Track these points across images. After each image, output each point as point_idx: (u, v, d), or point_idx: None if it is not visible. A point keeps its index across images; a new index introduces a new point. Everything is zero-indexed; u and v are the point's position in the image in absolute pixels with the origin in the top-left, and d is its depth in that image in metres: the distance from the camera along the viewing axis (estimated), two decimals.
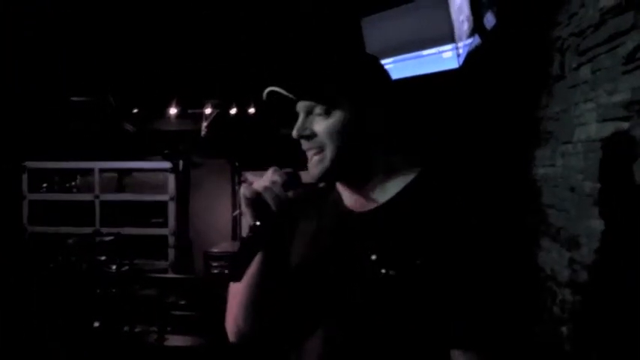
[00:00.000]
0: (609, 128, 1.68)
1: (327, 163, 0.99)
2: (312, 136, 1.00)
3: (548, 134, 2.33)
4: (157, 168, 5.63)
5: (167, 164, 5.54)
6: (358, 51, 1.11)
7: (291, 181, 1.01)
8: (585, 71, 1.87)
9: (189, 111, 5.60)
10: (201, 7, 4.34)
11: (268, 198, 0.98)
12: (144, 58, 4.84)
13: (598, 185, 1.78)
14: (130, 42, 4.60)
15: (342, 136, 0.99)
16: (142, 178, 5.95)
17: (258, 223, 0.99)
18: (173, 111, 5.51)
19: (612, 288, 1.66)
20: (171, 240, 5.60)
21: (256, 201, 0.98)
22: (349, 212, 1.05)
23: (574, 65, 1.98)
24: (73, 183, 6.16)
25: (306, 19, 3.92)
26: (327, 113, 0.99)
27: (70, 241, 5.16)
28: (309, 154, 1.02)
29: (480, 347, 0.91)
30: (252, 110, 5.51)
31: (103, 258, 4.67)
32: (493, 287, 0.93)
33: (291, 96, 1.01)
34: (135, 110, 5.55)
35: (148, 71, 4.97)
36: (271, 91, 1.01)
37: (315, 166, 1.01)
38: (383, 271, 0.93)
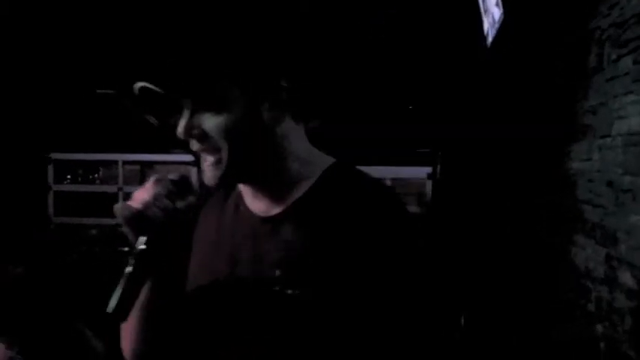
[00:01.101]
0: None
1: (223, 166, 0.84)
2: (202, 136, 0.83)
3: (585, 128, 2.28)
4: (180, 161, 5.66)
5: (190, 157, 5.56)
6: (252, 27, 0.88)
7: (179, 190, 0.86)
8: (627, 63, 1.82)
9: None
10: None
11: (151, 215, 0.82)
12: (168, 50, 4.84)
13: (639, 180, 1.74)
14: (154, 34, 4.60)
15: (239, 134, 0.83)
16: (164, 170, 5.96)
17: (143, 247, 0.82)
18: None
19: None
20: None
21: (138, 221, 0.82)
22: (252, 217, 0.90)
23: (614, 57, 1.93)
24: (96, 175, 6.22)
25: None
26: (218, 108, 0.82)
27: (93, 231, 5.22)
28: (202, 156, 0.86)
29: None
30: None
31: (126, 249, 4.73)
32: (413, 306, 0.81)
33: (166, 93, 0.84)
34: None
35: (154, 64, 4.98)
36: (143, 88, 0.84)
37: (210, 170, 0.85)
38: (289, 291, 0.81)
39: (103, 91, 5.28)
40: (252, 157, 0.85)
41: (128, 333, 0.94)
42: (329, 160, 0.90)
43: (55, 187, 5.46)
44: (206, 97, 0.82)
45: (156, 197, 0.83)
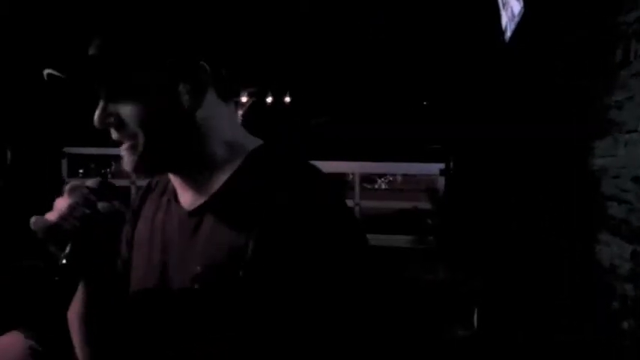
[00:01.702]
0: None
1: (138, 153, 0.81)
2: (119, 124, 0.81)
3: (610, 123, 2.26)
4: None
5: None
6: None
7: (97, 195, 0.79)
8: None
9: None
10: None
11: (68, 226, 0.76)
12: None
13: None
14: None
15: (155, 119, 0.79)
16: None
17: (63, 261, 0.76)
18: None
19: None
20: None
21: (54, 234, 0.76)
22: (180, 210, 0.87)
23: None
24: (108, 169, 6.26)
25: None
26: (133, 94, 0.79)
27: None
28: (121, 143, 0.83)
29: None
30: (287, 99, 5.52)
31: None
32: (342, 303, 0.74)
33: (65, 77, 0.80)
34: None
35: None
36: (50, 75, 0.79)
37: (126, 155, 0.82)
38: (205, 285, 0.77)
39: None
40: (170, 143, 0.81)
41: (75, 338, 0.90)
42: (255, 143, 0.86)
43: (69, 181, 5.50)
44: (119, 83, 0.79)
45: (72, 207, 0.76)
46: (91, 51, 0.80)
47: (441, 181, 6.08)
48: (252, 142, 0.86)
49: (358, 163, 6.10)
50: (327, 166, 6.92)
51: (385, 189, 14.17)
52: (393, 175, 13.63)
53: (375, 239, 6.60)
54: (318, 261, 0.73)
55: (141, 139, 0.80)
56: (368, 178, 12.59)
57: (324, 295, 0.73)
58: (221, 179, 0.83)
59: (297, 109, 5.59)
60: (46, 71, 0.79)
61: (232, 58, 0.84)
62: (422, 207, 6.02)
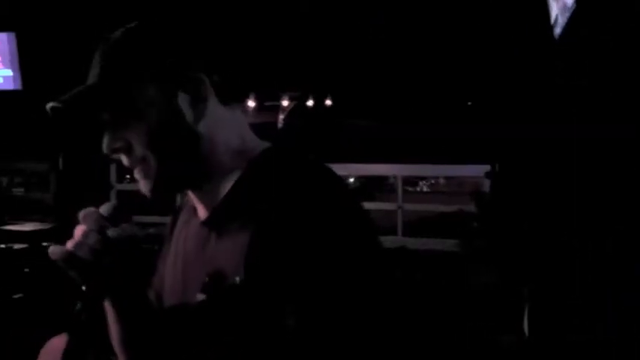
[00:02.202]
0: None
1: (152, 176, 0.79)
2: (127, 149, 0.79)
3: None
4: None
5: None
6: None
7: (110, 220, 0.78)
8: None
9: (267, 103, 5.68)
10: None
11: (83, 255, 0.76)
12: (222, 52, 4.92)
13: None
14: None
15: (162, 139, 0.78)
16: None
17: (83, 287, 0.77)
18: (251, 104, 5.59)
19: None
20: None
21: (72, 262, 0.76)
22: (196, 222, 0.87)
23: None
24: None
25: None
26: (136, 116, 0.78)
27: (152, 230, 5.33)
28: (134, 167, 0.81)
29: None
30: (328, 102, 5.51)
31: None
32: (354, 308, 0.71)
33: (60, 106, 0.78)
34: None
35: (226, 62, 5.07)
36: (55, 108, 0.78)
37: (142, 180, 0.81)
38: (213, 301, 0.75)
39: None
40: (180, 160, 0.80)
41: (113, 341, 0.92)
42: (261, 147, 0.83)
43: (118, 187, 5.64)
44: (121, 108, 0.78)
45: (85, 234, 0.76)
46: (91, 80, 0.79)
47: (487, 184, 5.95)
48: (259, 146, 0.84)
49: (400, 165, 6.03)
50: (369, 169, 6.83)
51: (427, 192, 14.00)
52: (435, 177, 13.46)
53: (419, 243, 6.51)
54: (319, 264, 0.70)
55: (151, 161, 0.79)
56: (409, 181, 12.49)
57: (326, 299, 0.70)
58: (227, 187, 0.81)
59: (339, 111, 5.58)
60: (49, 105, 0.78)
61: (228, 64, 0.83)
62: (467, 210, 5.91)
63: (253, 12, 4.42)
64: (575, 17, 2.79)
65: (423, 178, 14.18)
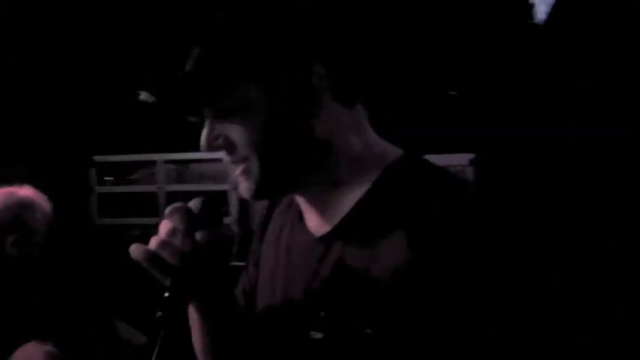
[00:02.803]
0: None
1: (255, 179, 0.70)
2: (228, 146, 0.71)
3: None
4: (219, 158, 5.68)
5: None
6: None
7: (200, 220, 0.71)
8: None
9: None
10: None
11: (167, 256, 0.68)
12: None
13: None
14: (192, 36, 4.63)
15: (269, 140, 0.68)
16: (200, 168, 6.05)
17: (166, 294, 0.69)
18: None
19: None
20: (234, 228, 5.66)
21: (155, 264, 0.69)
22: (307, 235, 0.76)
23: None
24: (134, 175, 6.28)
25: None
26: (242, 113, 0.68)
27: (136, 232, 5.26)
28: (232, 167, 0.74)
29: None
30: None
31: None
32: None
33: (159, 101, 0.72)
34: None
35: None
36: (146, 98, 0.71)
37: (242, 181, 0.72)
38: (334, 332, 0.64)
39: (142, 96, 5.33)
40: (289, 164, 0.70)
41: (194, 345, 0.85)
42: (393, 155, 0.71)
43: (99, 190, 5.55)
44: (223, 101, 0.68)
45: (169, 233, 0.69)
46: (188, 67, 0.70)
47: (471, 172, 5.93)
48: (390, 154, 0.72)
49: None
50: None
51: None
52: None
53: None
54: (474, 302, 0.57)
55: (255, 163, 0.69)
56: None
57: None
58: (351, 200, 0.70)
59: None
60: (142, 96, 0.67)
61: (352, 57, 0.71)
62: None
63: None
64: (559, 8, 2.77)
65: None
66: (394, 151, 0.73)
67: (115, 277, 4.23)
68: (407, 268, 0.60)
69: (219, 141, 0.71)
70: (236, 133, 0.69)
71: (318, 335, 0.65)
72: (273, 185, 0.72)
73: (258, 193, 0.72)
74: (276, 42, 0.67)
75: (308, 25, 0.68)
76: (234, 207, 5.64)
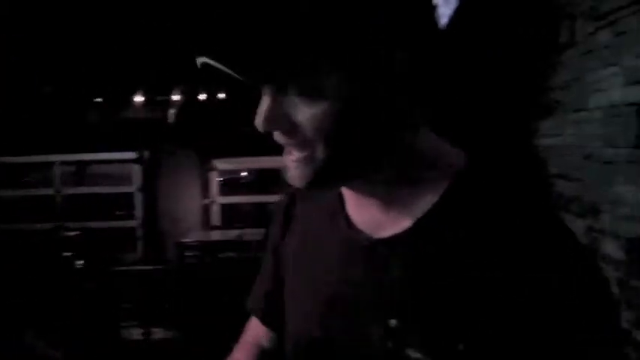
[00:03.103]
0: (636, 92, 1.66)
1: (316, 165, 0.62)
2: (290, 129, 0.61)
3: (555, 104, 2.31)
4: (122, 159, 5.44)
5: (132, 154, 5.37)
6: None
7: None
8: (605, 36, 1.84)
9: (157, 98, 5.42)
10: None
11: None
12: (107, 46, 4.63)
13: (622, 151, 1.76)
14: (92, 29, 4.38)
15: (339, 129, 0.60)
16: (103, 169, 5.79)
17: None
18: (139, 99, 5.30)
19: None
20: (139, 232, 5.46)
21: None
22: (359, 234, 0.68)
23: (590, 30, 1.95)
24: (27, 179, 5.87)
25: None
26: (311, 95, 0.60)
27: (34, 238, 4.91)
28: (287, 150, 0.64)
29: None
30: (222, 95, 5.37)
31: (70, 254, 4.55)
32: None
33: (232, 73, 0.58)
34: (98, 99, 5.34)
35: (112, 59, 4.77)
36: (205, 64, 0.61)
37: (298, 168, 0.63)
38: (409, 353, 0.59)
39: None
40: (357, 155, 0.62)
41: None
42: (458, 157, 0.66)
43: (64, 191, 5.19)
44: (295, 78, 0.59)
45: None
46: (258, 33, 0.58)
47: None
48: (456, 155, 0.66)
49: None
50: (268, 162, 6.73)
51: None
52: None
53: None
54: (563, 318, 0.54)
55: (320, 150, 0.60)
56: None
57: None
58: (424, 203, 0.63)
59: (233, 106, 5.46)
60: (201, 60, 0.59)
61: (433, 48, 0.63)
62: None
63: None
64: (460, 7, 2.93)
65: None
66: (458, 153, 0.67)
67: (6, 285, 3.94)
68: (494, 282, 0.57)
69: (282, 122, 0.61)
70: (303, 115, 0.60)
71: (417, 355, 0.59)
72: (335, 176, 0.64)
73: (315, 182, 0.63)
74: (365, 27, 0.59)
75: (394, 12, 0.61)
76: (138, 209, 5.44)
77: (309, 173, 0.62)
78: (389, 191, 0.66)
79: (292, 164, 0.62)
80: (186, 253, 5.23)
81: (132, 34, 4.57)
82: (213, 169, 6.09)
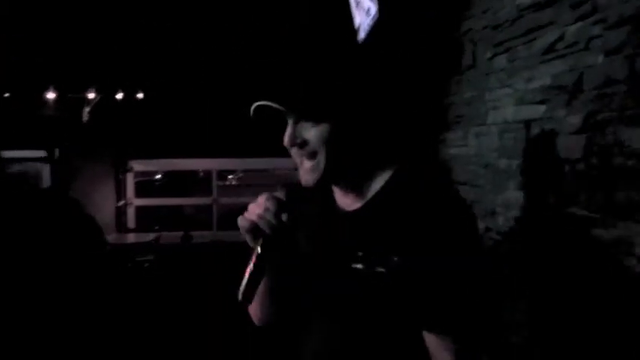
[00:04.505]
0: (526, 111, 1.92)
1: (320, 169, 1.03)
2: (303, 144, 1.03)
3: (459, 118, 2.57)
4: (30, 157, 5.22)
5: (41, 153, 5.16)
6: (354, 65, 1.11)
7: (284, 206, 1.04)
8: (501, 61, 2.11)
9: (70, 95, 5.24)
10: None
11: (263, 226, 1.02)
12: (17, 38, 4.45)
13: (514, 162, 2.03)
14: (1, 22, 4.20)
15: (333, 142, 1.03)
16: (14, 168, 5.52)
17: (259, 250, 1.03)
18: (51, 96, 5.11)
19: (530, 248, 1.92)
20: None
21: (253, 229, 1.03)
22: (340, 211, 1.12)
23: (489, 55, 2.21)
24: None
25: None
26: (317, 121, 1.03)
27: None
28: (300, 161, 1.06)
29: (450, 331, 0.98)
30: (140, 95, 5.29)
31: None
32: (464, 277, 0.98)
33: (282, 109, 1.03)
34: (5, 95, 5.08)
35: (22, 52, 4.58)
36: (260, 106, 1.05)
37: (308, 173, 1.05)
38: (366, 267, 1.02)
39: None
40: (342, 161, 1.04)
41: (254, 312, 1.24)
42: (394, 162, 1.10)
43: None
44: (311, 112, 1.02)
45: (266, 211, 1.02)
46: (301, 88, 1.04)
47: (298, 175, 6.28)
48: (391, 160, 1.09)
49: (216, 159, 6.05)
50: (184, 164, 6.67)
51: (237, 185, 14.15)
52: (246, 170, 13.73)
53: (235, 235, 6.58)
54: (454, 265, 0.96)
55: (322, 159, 1.03)
56: (219, 175, 12.45)
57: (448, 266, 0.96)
58: (374, 189, 1.07)
59: (151, 105, 5.39)
60: (258, 103, 1.03)
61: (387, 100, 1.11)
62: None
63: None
64: (379, 27, 3.15)
65: (232, 172, 14.27)
66: (393, 160, 1.10)
67: None
68: (409, 229, 0.97)
69: (298, 140, 1.03)
70: (311, 134, 1.02)
71: (359, 266, 1.01)
72: (332, 175, 1.05)
73: (321, 182, 1.05)
74: (354, 90, 1.05)
75: (367, 83, 1.08)
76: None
77: (316, 175, 1.04)
78: (356, 185, 1.08)
79: (304, 171, 1.05)
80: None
81: (45, 29, 4.43)
82: (129, 170, 5.96)
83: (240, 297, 1.04)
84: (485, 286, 1.01)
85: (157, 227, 5.87)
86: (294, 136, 1.03)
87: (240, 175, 15.30)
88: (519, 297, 2.01)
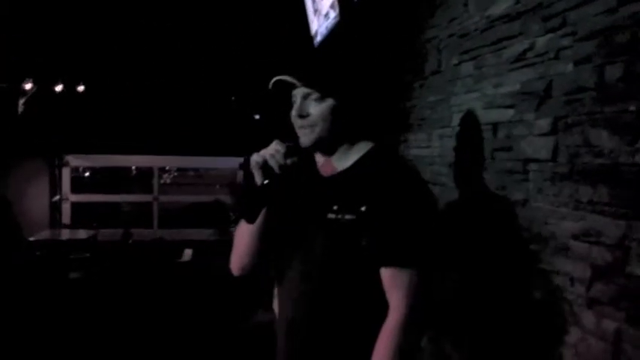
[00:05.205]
0: (494, 114, 2.08)
1: (316, 135, 1.39)
2: (306, 116, 1.38)
3: (422, 121, 2.71)
4: None
5: None
6: (353, 52, 1.54)
7: (291, 152, 1.36)
8: (468, 67, 2.25)
9: (4, 85, 4.99)
10: None
11: (273, 164, 1.33)
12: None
13: (480, 161, 2.18)
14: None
15: (330, 118, 1.38)
16: None
17: (266, 182, 1.33)
18: None
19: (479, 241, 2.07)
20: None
21: (263, 165, 1.34)
22: (320, 176, 1.47)
23: (455, 62, 2.36)
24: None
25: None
26: (321, 99, 1.38)
27: None
28: (301, 130, 1.40)
29: (403, 264, 1.31)
30: (81, 88, 5.13)
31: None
32: (415, 224, 1.34)
33: (298, 84, 1.38)
34: None
35: None
36: (278, 79, 1.39)
37: (306, 135, 1.40)
38: (340, 216, 1.35)
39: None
40: (334, 134, 1.40)
41: (240, 249, 1.49)
42: (370, 142, 1.45)
43: None
44: (320, 91, 1.37)
45: (277, 152, 1.34)
46: (320, 73, 1.44)
47: (241, 175, 6.29)
48: (369, 140, 1.46)
49: (157, 156, 5.94)
50: (124, 160, 6.48)
51: (170, 183, 13.83)
52: (182, 170, 13.50)
53: (177, 234, 6.49)
54: (407, 216, 1.34)
55: (318, 129, 1.38)
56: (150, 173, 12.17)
57: (406, 229, 1.33)
58: (352, 160, 1.43)
59: (93, 98, 5.22)
60: (278, 77, 1.37)
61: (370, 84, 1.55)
62: (223, 200, 6.15)
63: None
64: (339, 33, 3.26)
65: (166, 171, 13.96)
66: (370, 140, 1.46)
67: None
68: (374, 194, 1.34)
69: (304, 112, 1.38)
70: (315, 109, 1.39)
71: (332, 216, 1.36)
72: (325, 143, 1.41)
73: (315, 144, 1.40)
74: (353, 81, 1.45)
75: (361, 76, 1.47)
76: None
77: (313, 137, 1.39)
78: (337, 155, 1.44)
79: (303, 135, 1.39)
80: (35, 253, 4.90)
81: None
82: (65, 164, 5.73)
83: (245, 214, 1.38)
84: (432, 231, 1.35)
85: (95, 224, 5.67)
86: (301, 109, 1.38)
87: (175, 174, 15.02)
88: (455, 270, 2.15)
